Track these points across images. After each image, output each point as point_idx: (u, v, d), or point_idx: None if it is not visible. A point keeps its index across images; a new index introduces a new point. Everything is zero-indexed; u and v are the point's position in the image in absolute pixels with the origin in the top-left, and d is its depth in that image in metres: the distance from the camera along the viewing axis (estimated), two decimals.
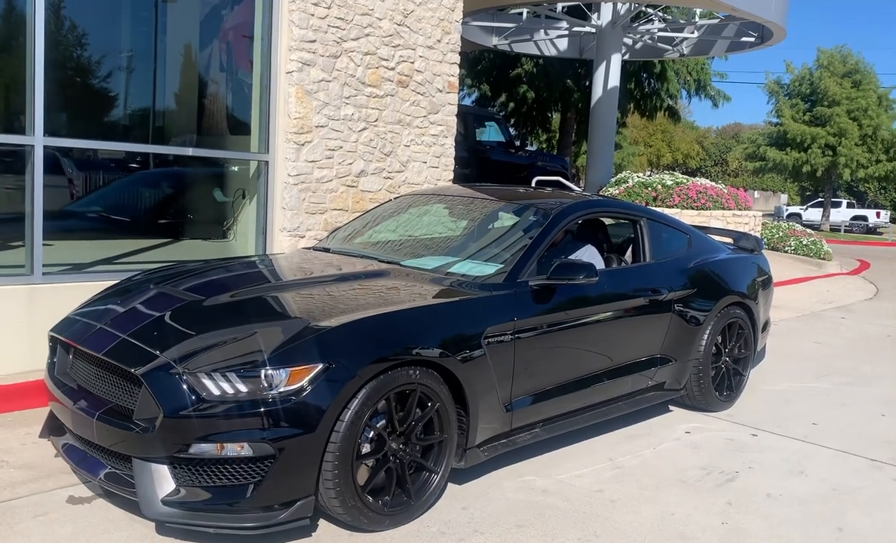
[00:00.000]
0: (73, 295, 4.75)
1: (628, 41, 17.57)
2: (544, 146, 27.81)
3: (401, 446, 3.58)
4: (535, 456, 4.47)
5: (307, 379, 3.25)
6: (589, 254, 5.14)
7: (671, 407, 5.55)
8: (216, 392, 3.21)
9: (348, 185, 6.69)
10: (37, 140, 5.14)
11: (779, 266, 14.13)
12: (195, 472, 3.25)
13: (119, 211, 8.24)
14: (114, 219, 8.11)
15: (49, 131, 5.31)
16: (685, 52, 17.93)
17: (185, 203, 8.56)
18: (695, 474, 4.43)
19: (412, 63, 7.06)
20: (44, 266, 5.28)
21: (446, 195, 5.76)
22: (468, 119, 14.74)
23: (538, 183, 12.94)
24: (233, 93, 8.27)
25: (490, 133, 15.46)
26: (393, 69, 6.92)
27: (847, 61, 37.60)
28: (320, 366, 3.28)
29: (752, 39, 16.08)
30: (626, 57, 17.69)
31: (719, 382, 5.55)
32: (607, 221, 5.67)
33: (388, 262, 4.61)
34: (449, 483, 3.99)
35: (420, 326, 3.68)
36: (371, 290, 4.05)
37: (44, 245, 5.27)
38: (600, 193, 12.70)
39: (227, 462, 3.22)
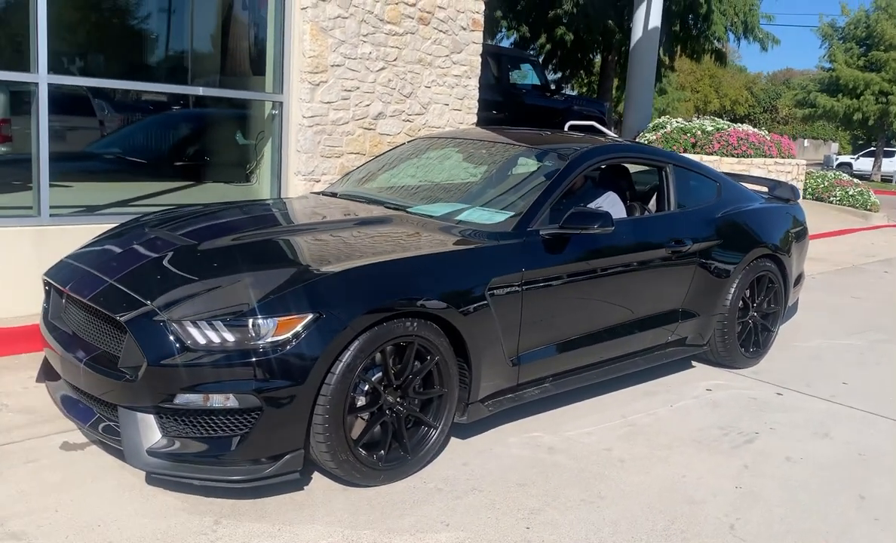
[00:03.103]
0: (82, 237, 4.64)
1: None
2: (584, 90, 27.17)
3: (397, 399, 3.44)
4: (545, 412, 4.31)
5: (296, 329, 3.11)
6: (610, 202, 4.89)
7: (694, 363, 5.33)
8: (202, 340, 3.09)
9: (365, 128, 6.49)
10: (41, 78, 5.02)
11: (822, 217, 13.65)
12: (181, 422, 3.15)
13: (138, 153, 8.15)
14: (131, 162, 8.02)
15: (56, 69, 5.19)
16: None
17: (207, 145, 8.45)
18: (712, 434, 4.23)
19: None
20: (51, 207, 5.20)
21: (466, 138, 5.53)
22: (502, 60, 14.35)
23: (571, 127, 12.57)
24: (254, 32, 8.07)
25: (525, 75, 15.04)
26: (413, 5, 6.64)
27: None
28: (310, 316, 3.13)
29: None
30: None
31: (746, 338, 5.30)
32: (634, 168, 5.41)
33: (395, 208, 4.42)
34: (452, 438, 3.86)
35: (417, 276, 3.50)
36: (370, 238, 3.87)
37: (61, 186, 5.20)
38: (636, 139, 12.30)
39: (212, 414, 3.12)
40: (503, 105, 13.73)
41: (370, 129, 6.52)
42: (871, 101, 34.99)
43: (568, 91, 24.41)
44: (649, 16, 14.23)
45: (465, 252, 3.77)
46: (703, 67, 45.37)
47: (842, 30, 37.60)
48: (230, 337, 3.09)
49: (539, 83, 15.24)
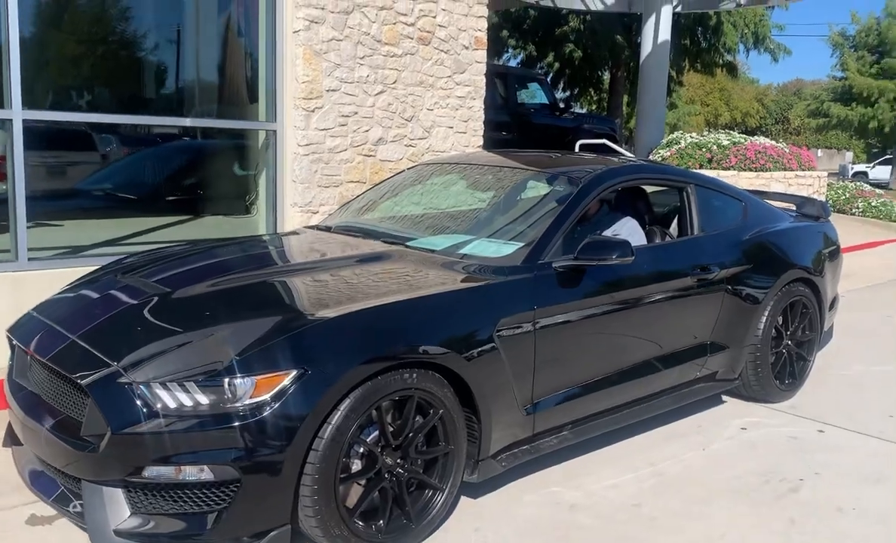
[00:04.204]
0: (65, 281, 4.30)
1: None
2: (594, 107, 26.84)
3: (397, 461, 3.05)
4: (564, 462, 3.90)
5: (278, 388, 2.73)
6: (628, 228, 4.50)
7: (724, 398, 4.91)
8: (172, 404, 2.73)
9: (365, 155, 6.14)
10: (15, 113, 4.70)
11: (846, 230, 13.15)
12: (152, 497, 2.78)
13: (130, 188, 7.82)
14: (122, 198, 7.70)
15: (36, 105, 4.88)
16: (742, 3, 16.81)
17: (202, 178, 8.11)
18: (751, 482, 3.81)
19: (434, 17, 6.43)
20: (30, 250, 4.87)
21: (471, 163, 5.16)
22: (509, 80, 14.02)
23: (583, 147, 12.19)
24: (248, 59, 7.77)
25: (533, 95, 14.70)
26: (412, 25, 6.31)
27: None
28: (293, 373, 2.76)
29: None
30: (679, 9, 16.64)
31: (780, 369, 4.88)
32: (650, 189, 5.02)
33: (393, 242, 4.04)
34: (462, 498, 3.47)
35: (415, 320, 3.12)
36: (364, 278, 3.50)
37: (45, 226, 4.89)
38: (650, 156, 11.90)
39: (186, 487, 2.74)
40: (511, 125, 13.39)
41: (370, 156, 6.17)
42: (886, 109, 34.49)
43: (577, 109, 24.07)
44: (659, 29, 13.89)
45: (469, 290, 3.38)
46: (712, 81, 44.96)
47: (853, 38, 37.17)
48: (204, 400, 2.72)
49: (547, 102, 14.89)
